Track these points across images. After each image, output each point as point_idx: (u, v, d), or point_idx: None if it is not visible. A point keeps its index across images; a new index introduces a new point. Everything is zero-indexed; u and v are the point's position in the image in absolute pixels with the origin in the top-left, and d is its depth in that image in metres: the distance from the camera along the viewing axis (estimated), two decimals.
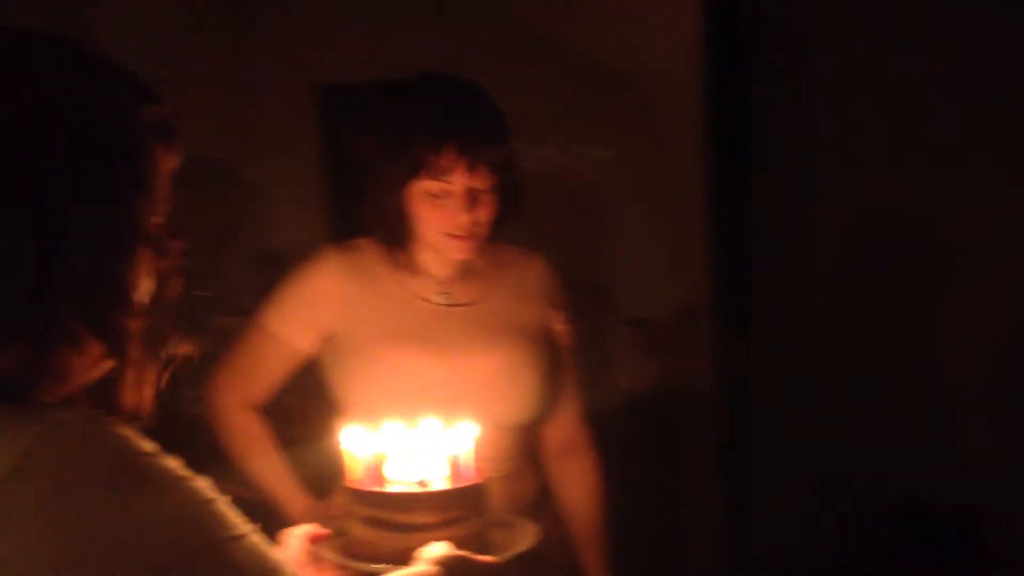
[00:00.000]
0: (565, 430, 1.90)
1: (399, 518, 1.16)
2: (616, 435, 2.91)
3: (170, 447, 0.80)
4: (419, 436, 1.26)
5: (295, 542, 1.26)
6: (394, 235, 1.73)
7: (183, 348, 0.92)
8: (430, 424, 1.28)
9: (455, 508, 1.17)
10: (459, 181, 1.65)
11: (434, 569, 1.11)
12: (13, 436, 0.75)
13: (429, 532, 1.15)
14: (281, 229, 3.71)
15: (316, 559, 1.25)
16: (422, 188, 1.66)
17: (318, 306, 1.76)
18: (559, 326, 1.87)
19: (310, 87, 3.61)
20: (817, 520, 3.29)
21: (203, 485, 0.82)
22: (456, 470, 1.21)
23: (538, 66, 3.31)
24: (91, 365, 0.84)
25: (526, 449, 1.82)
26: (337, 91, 3.56)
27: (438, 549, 1.14)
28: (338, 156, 3.51)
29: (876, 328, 3.30)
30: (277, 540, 1.26)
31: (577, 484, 1.91)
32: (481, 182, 1.66)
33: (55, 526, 0.74)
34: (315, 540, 1.25)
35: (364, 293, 1.76)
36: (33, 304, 0.78)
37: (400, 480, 1.20)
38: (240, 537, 0.82)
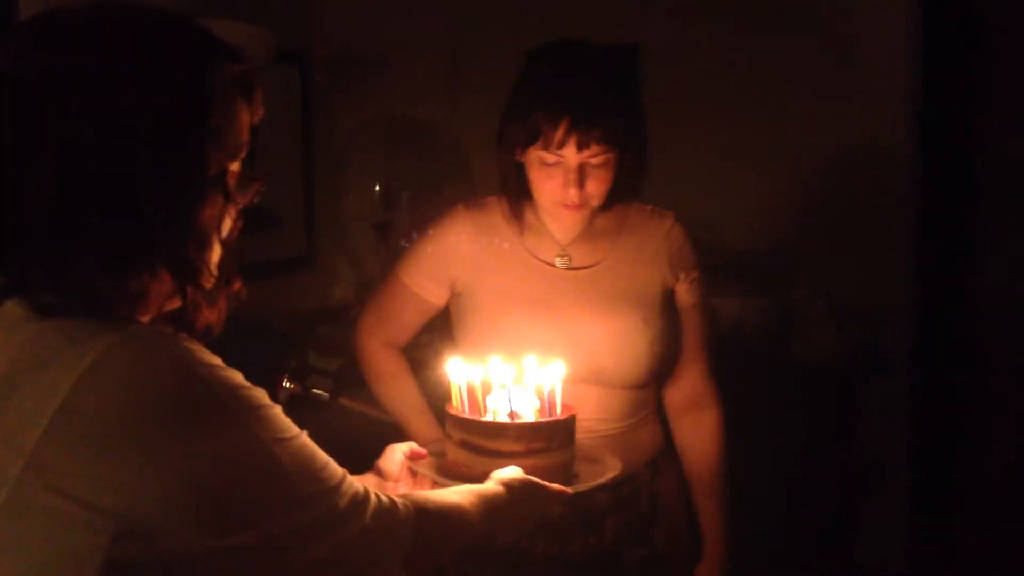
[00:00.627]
0: (688, 387, 1.91)
1: (488, 444, 1.30)
2: (793, 406, 2.97)
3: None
4: (515, 373, 1.39)
5: (397, 457, 1.44)
6: (515, 195, 1.81)
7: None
8: (527, 362, 1.41)
9: (538, 439, 1.30)
10: (571, 155, 1.70)
11: (498, 488, 1.24)
12: (93, 342, 0.85)
13: (514, 459, 1.29)
14: (481, 186, 3.88)
15: (413, 474, 1.43)
16: (537, 156, 1.73)
17: (444, 261, 1.85)
18: (683, 285, 1.87)
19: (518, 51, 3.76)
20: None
21: (259, 393, 0.93)
22: (544, 406, 1.34)
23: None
24: (167, 291, 0.95)
25: (643, 407, 1.86)
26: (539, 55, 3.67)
27: (508, 472, 1.27)
28: None
29: None
30: (382, 456, 1.44)
31: (698, 440, 1.92)
32: (593, 157, 1.70)
33: (124, 422, 0.84)
34: (413, 457, 1.43)
35: (487, 252, 1.83)
36: (110, 232, 0.88)
37: (494, 410, 1.34)
38: (288, 439, 0.93)
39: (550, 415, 1.37)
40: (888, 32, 3.15)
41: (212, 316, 0.99)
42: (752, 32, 3.34)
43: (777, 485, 2.90)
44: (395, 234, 3.74)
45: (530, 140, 1.72)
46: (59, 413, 0.82)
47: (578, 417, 1.48)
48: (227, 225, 1.00)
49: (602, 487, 1.43)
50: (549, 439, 1.33)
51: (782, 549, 2.89)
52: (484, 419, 1.35)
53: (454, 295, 1.87)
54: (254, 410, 0.92)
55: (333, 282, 3.96)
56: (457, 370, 1.42)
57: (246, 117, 0.99)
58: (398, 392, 1.96)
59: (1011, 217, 3.14)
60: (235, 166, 0.98)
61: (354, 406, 2.52)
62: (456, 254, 1.85)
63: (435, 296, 1.88)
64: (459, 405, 1.40)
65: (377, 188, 3.86)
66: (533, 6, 3.71)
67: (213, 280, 0.98)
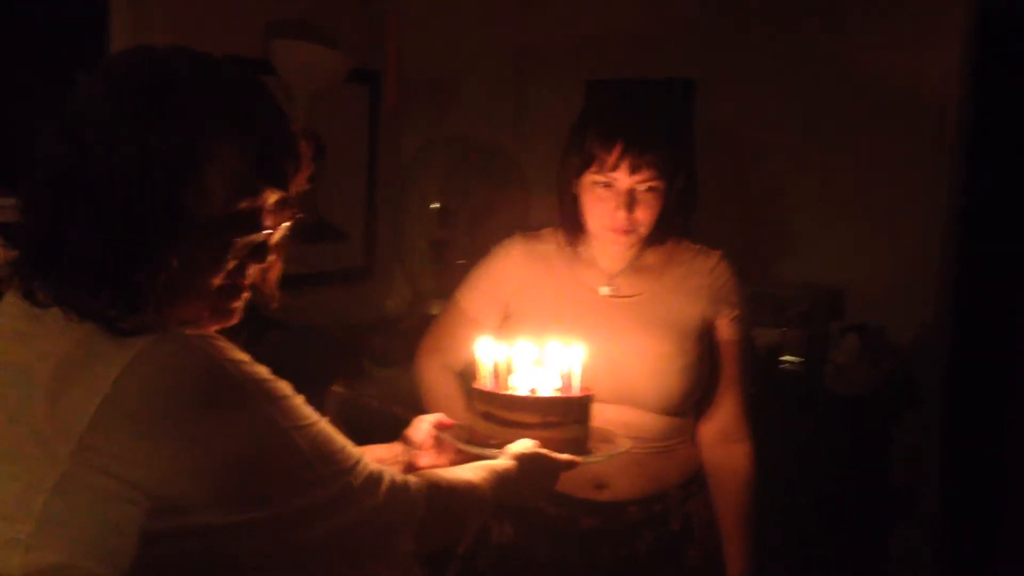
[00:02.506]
0: (722, 420, 1.94)
1: (508, 415, 1.43)
2: (825, 438, 3.03)
3: None
4: (538, 353, 1.51)
5: (424, 427, 1.56)
6: (570, 224, 1.89)
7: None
8: (551, 344, 1.52)
9: (553, 414, 1.42)
10: (622, 178, 1.77)
11: (510, 463, 1.35)
12: (133, 341, 0.95)
13: (531, 430, 1.41)
14: (535, 210, 3.99)
15: (439, 443, 1.55)
16: (590, 180, 1.80)
17: (499, 287, 1.94)
18: (724, 320, 1.91)
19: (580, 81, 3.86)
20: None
21: (283, 385, 1.03)
22: (564, 384, 1.46)
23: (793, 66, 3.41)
24: (209, 313, 1.06)
25: (678, 433, 1.91)
26: (600, 85, 3.78)
27: (521, 445, 1.39)
28: None
29: None
30: (410, 425, 1.57)
31: (727, 472, 1.94)
32: (643, 183, 1.77)
33: (159, 410, 0.94)
34: (440, 427, 1.55)
35: (539, 279, 1.91)
36: (160, 252, 0.98)
37: (516, 386, 1.46)
38: (307, 425, 1.04)
39: (568, 393, 1.48)
40: (939, 79, 3.20)
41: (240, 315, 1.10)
42: (801, 64, 3.43)
43: (808, 513, 2.96)
44: (451, 251, 3.87)
45: (585, 164, 1.80)
46: (104, 403, 0.93)
47: (607, 431, 1.58)
48: (263, 245, 1.10)
49: (611, 457, 1.51)
50: (564, 414, 1.44)
51: None
52: (504, 392, 1.47)
53: (506, 318, 1.95)
54: (276, 400, 1.01)
55: (389, 294, 4.10)
56: (486, 349, 1.53)
57: (299, 156, 1.09)
58: (450, 413, 2.05)
59: None
60: (274, 198, 1.07)
61: (404, 414, 2.64)
62: (510, 279, 1.94)
63: (489, 319, 1.95)
64: (484, 381, 1.51)
65: (436, 206, 3.99)
66: (597, 39, 3.83)
67: (247, 292, 1.10)
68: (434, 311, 3.71)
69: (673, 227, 1.86)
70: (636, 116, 1.80)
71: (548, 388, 1.47)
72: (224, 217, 1.02)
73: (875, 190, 3.32)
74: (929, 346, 3.23)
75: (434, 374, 2.03)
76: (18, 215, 1.02)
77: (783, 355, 3.20)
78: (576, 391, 1.48)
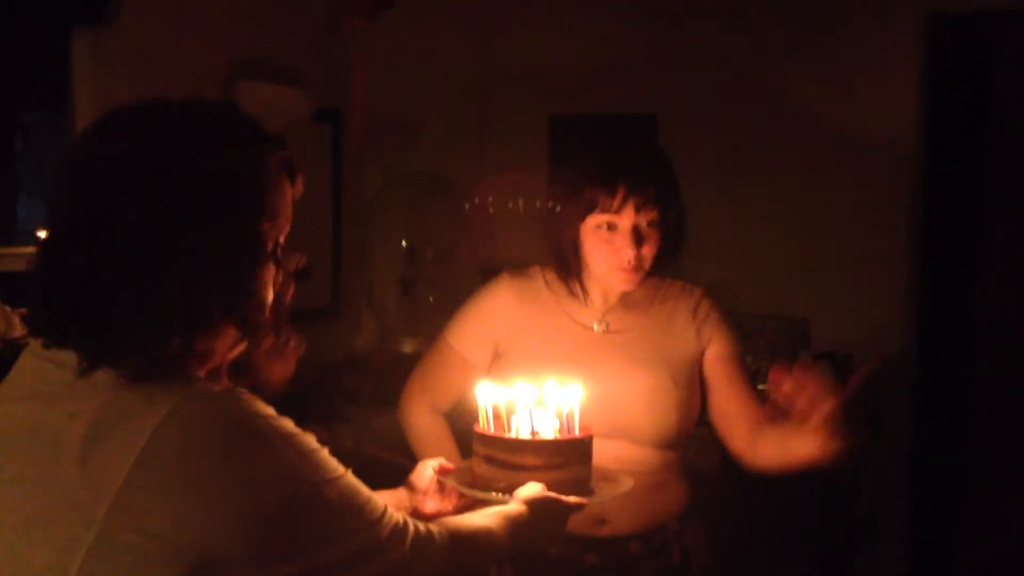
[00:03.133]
0: (753, 425, 1.86)
1: (510, 459, 1.43)
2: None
3: None
4: (537, 395, 1.51)
5: (427, 472, 1.57)
6: (567, 266, 1.89)
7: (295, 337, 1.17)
8: (549, 385, 1.52)
9: (556, 455, 1.43)
10: (627, 218, 1.79)
11: (521, 508, 1.36)
12: (163, 400, 0.96)
13: (535, 473, 1.41)
14: (505, 245, 4.00)
15: (441, 487, 1.55)
16: (594, 223, 1.82)
17: (489, 325, 1.95)
18: (717, 345, 1.92)
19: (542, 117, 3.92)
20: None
21: (309, 439, 1.05)
22: (563, 425, 1.47)
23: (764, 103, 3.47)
24: (229, 347, 1.09)
25: (669, 468, 1.91)
26: (562, 121, 3.84)
27: (529, 489, 1.40)
28: None
29: None
30: (414, 471, 1.57)
31: (788, 443, 1.74)
32: (646, 219, 1.80)
33: (191, 469, 0.94)
34: (442, 472, 1.55)
35: (529, 316, 1.93)
36: (183, 304, 1.00)
37: (517, 429, 1.47)
38: (336, 479, 1.05)
39: (568, 434, 1.49)
40: (895, 115, 3.28)
41: (278, 369, 1.15)
42: (762, 100, 3.49)
43: (781, 535, 2.98)
44: (419, 288, 3.87)
45: (588, 209, 1.82)
46: (138, 462, 0.93)
47: (607, 469, 1.58)
48: (278, 288, 1.14)
49: (615, 497, 1.52)
50: (567, 455, 1.45)
51: None
52: (507, 436, 1.47)
53: (496, 356, 1.96)
54: (305, 455, 1.04)
55: (358, 332, 4.08)
56: (485, 392, 1.53)
57: (290, 195, 1.13)
58: (442, 455, 2.04)
59: (1009, 293, 3.24)
60: (282, 238, 1.12)
61: (378, 453, 2.62)
62: (500, 317, 1.95)
63: (479, 358, 1.96)
64: (485, 424, 1.51)
65: (403, 243, 3.99)
66: (556, 73, 3.88)
67: (271, 337, 1.13)
68: (406, 348, 3.70)
69: (666, 260, 1.88)
70: (632, 155, 1.83)
71: (548, 429, 1.48)
72: (272, 253, 1.07)
73: (838, 224, 3.39)
74: (895, 374, 3.28)
75: (423, 417, 2.02)
76: (47, 277, 1.02)
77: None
78: (576, 431, 1.49)
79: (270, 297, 1.11)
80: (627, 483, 1.52)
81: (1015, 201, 3.25)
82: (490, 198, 3.97)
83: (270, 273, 1.10)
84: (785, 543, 3.00)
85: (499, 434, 1.47)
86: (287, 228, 1.11)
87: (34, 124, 3.79)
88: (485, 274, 3.86)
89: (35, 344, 1.04)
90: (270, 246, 1.08)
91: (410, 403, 2.03)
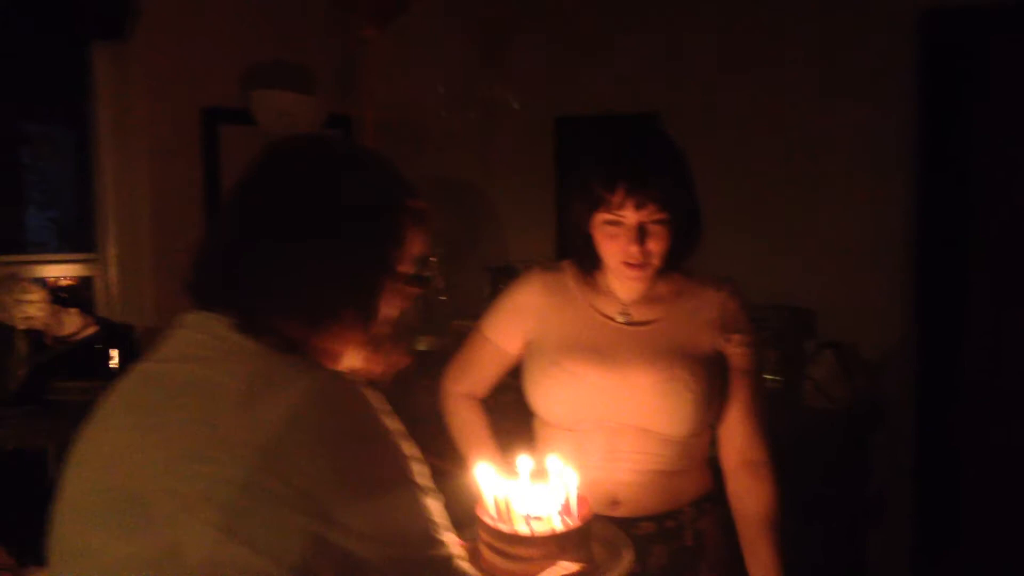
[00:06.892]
0: (740, 444, 1.99)
1: (510, 550, 1.46)
2: (806, 455, 3.12)
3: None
4: (536, 484, 1.55)
5: None
6: (584, 260, 1.97)
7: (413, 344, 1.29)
8: (550, 462, 1.56)
9: (555, 547, 1.45)
10: (630, 216, 1.84)
11: None
12: (312, 374, 1.08)
13: (534, 564, 1.44)
14: (513, 244, 4.07)
15: None
16: (601, 220, 1.88)
17: (521, 315, 2.04)
18: (735, 350, 1.97)
19: (549, 118, 3.99)
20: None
21: (410, 443, 1.13)
22: (562, 514, 1.49)
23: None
24: (352, 350, 1.21)
25: (689, 456, 1.96)
26: (568, 122, 3.91)
27: None
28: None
29: None
30: None
31: (748, 498, 1.97)
32: (651, 216, 1.84)
33: (332, 441, 1.03)
34: None
35: (557, 307, 2.00)
36: (322, 299, 1.15)
37: (516, 517, 1.49)
38: (432, 490, 1.14)
39: (568, 514, 1.50)
40: (894, 110, 3.34)
41: (384, 369, 1.27)
42: (767, 102, 3.57)
43: (792, 518, 3.03)
44: (430, 288, 3.93)
45: (594, 206, 1.88)
46: (290, 420, 1.02)
47: (625, 455, 1.65)
48: (398, 308, 1.26)
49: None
50: (562, 548, 1.47)
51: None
52: (505, 530, 1.48)
53: (526, 344, 2.04)
54: (417, 459, 1.12)
55: None
56: (485, 477, 1.55)
57: (419, 239, 1.27)
58: (475, 438, 2.11)
59: (1005, 282, 3.29)
60: (408, 269, 1.25)
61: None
62: (530, 308, 2.03)
63: (512, 346, 2.05)
64: (487, 510, 1.53)
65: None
66: (563, 76, 3.96)
67: (388, 348, 1.25)
68: (420, 346, 3.78)
69: (682, 255, 1.93)
70: (634, 153, 1.87)
71: (549, 508, 1.50)
72: (398, 276, 1.21)
73: (842, 215, 3.45)
74: (897, 362, 3.35)
75: (460, 401, 2.13)
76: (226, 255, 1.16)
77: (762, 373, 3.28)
78: (575, 511, 1.50)
79: (393, 313, 1.23)
80: (628, 556, 1.54)
81: (1011, 194, 3.29)
82: (498, 199, 4.04)
83: (395, 292, 1.22)
84: (798, 523, 3.04)
85: (498, 527, 1.48)
86: (415, 259, 1.25)
87: (44, 138, 3.88)
88: (493, 273, 3.98)
89: (187, 318, 1.16)
90: (395, 271, 1.21)
91: (449, 387, 2.13)
